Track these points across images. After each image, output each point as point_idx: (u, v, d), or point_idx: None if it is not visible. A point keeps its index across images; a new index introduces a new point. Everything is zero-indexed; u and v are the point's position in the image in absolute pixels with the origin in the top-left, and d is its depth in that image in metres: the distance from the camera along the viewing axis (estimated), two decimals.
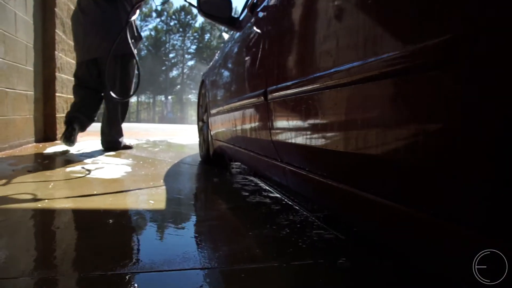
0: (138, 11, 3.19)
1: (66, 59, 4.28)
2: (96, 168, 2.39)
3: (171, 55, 40.77)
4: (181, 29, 42.55)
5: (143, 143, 4.28)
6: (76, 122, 3.25)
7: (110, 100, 3.23)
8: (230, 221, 1.39)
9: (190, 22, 42.46)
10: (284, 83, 1.06)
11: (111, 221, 1.27)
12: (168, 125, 17.30)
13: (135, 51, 3.22)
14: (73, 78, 4.75)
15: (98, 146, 3.69)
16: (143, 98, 45.80)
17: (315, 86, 0.87)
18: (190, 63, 46.85)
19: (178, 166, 2.69)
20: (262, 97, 1.23)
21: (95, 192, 1.70)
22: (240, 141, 1.74)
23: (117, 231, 1.18)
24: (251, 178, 2.30)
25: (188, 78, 47.17)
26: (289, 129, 1.08)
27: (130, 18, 3.01)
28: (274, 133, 1.19)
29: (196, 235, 1.21)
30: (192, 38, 44.24)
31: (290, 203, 1.63)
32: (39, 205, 1.43)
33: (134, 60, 3.23)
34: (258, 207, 1.56)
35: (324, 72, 0.81)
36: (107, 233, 1.15)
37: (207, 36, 43.00)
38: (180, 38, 43.70)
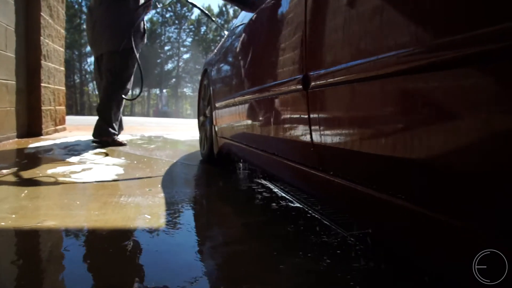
0: (149, 10, 3.37)
1: (54, 46, 3.91)
2: (83, 170, 2.06)
3: (166, 48, 40.16)
4: (176, 21, 41.92)
5: (138, 139, 3.94)
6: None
7: (103, 90, 3.31)
8: (249, 245, 1.07)
9: (186, 14, 41.84)
10: (340, 66, 0.75)
11: (95, 247, 0.95)
12: (163, 119, 16.86)
13: (139, 46, 3.31)
14: (63, 68, 4.41)
15: (88, 142, 3.35)
16: (137, 91, 45.15)
17: (404, 67, 0.56)
18: (186, 56, 46.27)
19: (177, 167, 2.37)
20: (298, 85, 0.91)
21: (77, 203, 1.38)
22: (256, 141, 1.42)
23: (102, 265, 0.86)
24: (262, 181, 1.98)
25: (184, 71, 46.58)
26: (345, 130, 0.76)
27: (142, 16, 3.20)
28: (317, 133, 0.88)
29: (213, 269, 0.89)
30: (188, 30, 43.63)
31: (316, 215, 1.32)
32: (1, 223, 1.11)
33: (133, 55, 3.23)
34: (279, 222, 1.25)
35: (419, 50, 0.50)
36: (90, 267, 0.83)
37: (203, 28, 42.43)
38: (176, 30, 43.06)
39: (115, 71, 3.19)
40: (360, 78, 0.70)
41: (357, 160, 0.75)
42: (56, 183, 1.72)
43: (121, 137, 3.65)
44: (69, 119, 9.99)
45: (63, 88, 4.33)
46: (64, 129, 4.54)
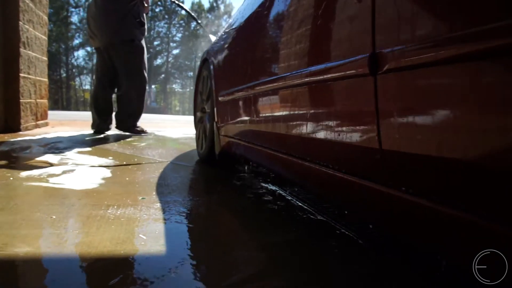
0: (148, 7, 3.69)
1: (35, 33, 3.57)
2: (64, 172, 1.77)
3: (155, 43, 39.45)
4: (166, 16, 41.25)
5: (126, 136, 3.64)
6: (103, 131, 3.74)
7: (120, 85, 3.60)
8: (277, 280, 0.81)
9: (176, 9, 41.20)
10: (438, 37, 0.49)
11: None
12: (153, 115, 16.39)
13: (141, 37, 3.57)
14: (45, 58, 4.07)
15: (72, 139, 3.04)
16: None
17: None
18: (175, 51, 45.65)
19: (172, 169, 2.09)
20: (361, 68, 0.65)
21: (53, 217, 1.10)
22: (280, 143, 1.15)
23: None
24: (270, 186, 1.72)
25: (173, 67, 45.93)
26: (439, 132, 0.51)
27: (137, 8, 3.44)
28: (390, 136, 0.62)
29: None
30: (178, 25, 43.02)
31: (349, 233, 1.07)
32: None
33: (138, 45, 3.51)
34: (305, 243, 0.99)
35: None
36: None
37: (193, 24, 41.84)
38: (166, 25, 42.39)
39: (127, 63, 3.46)
40: (471, 53, 0.44)
41: (459, 175, 0.49)
42: (30, 189, 1.43)
43: (107, 132, 3.79)
44: (54, 113, 9.55)
45: (46, 79, 3.99)
46: (47, 124, 4.21)
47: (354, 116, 0.71)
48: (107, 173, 1.83)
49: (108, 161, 2.17)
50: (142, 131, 3.87)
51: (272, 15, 1.30)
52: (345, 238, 1.07)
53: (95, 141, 3.05)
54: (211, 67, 2.11)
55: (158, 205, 1.32)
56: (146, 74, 3.67)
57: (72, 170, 1.83)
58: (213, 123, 2.08)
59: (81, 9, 36.72)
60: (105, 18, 3.37)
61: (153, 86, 38.08)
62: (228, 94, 1.69)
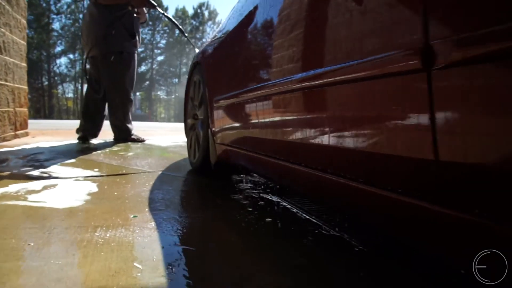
0: (145, 15, 3.76)
1: (12, 38, 3.38)
2: (44, 188, 1.60)
3: (139, 50, 39.01)
4: (150, 23, 40.88)
5: (112, 145, 3.46)
6: (89, 137, 3.73)
7: (108, 93, 3.60)
8: None
9: (160, 16, 40.92)
10: None
11: None
12: (138, 122, 16.06)
13: (132, 49, 3.57)
14: (24, 64, 3.86)
15: (54, 150, 2.86)
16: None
17: None
18: (160, 58, 45.27)
19: (165, 181, 1.94)
20: (412, 62, 0.54)
21: (31, 245, 0.94)
22: (293, 152, 1.03)
23: None
24: (271, 197, 1.60)
25: (158, 73, 45.47)
26: None
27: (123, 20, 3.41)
28: (450, 145, 0.50)
29: None
30: (162, 32, 42.70)
31: (372, 253, 0.94)
32: None
33: (126, 58, 3.47)
34: (323, 267, 0.86)
35: None
36: None
37: (177, 30, 41.64)
38: (150, 32, 42.00)
39: (111, 74, 3.46)
40: None
41: None
42: (4, 210, 1.26)
43: (92, 141, 3.71)
44: (35, 122, 9.23)
45: (25, 87, 3.79)
46: (27, 134, 3.99)
47: (395, 120, 0.58)
48: (93, 187, 1.67)
49: (94, 173, 2.00)
50: (138, 140, 3.80)
51: (273, 13, 1.18)
52: (369, 260, 0.95)
53: (79, 152, 2.87)
54: (204, 70, 1.98)
55: (153, 224, 1.18)
56: (129, 89, 3.63)
57: (54, 185, 1.66)
58: (207, 131, 1.94)
59: (63, 16, 36.11)
60: (94, 28, 3.37)
61: (137, 94, 37.53)
62: (226, 98, 1.56)
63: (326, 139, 0.80)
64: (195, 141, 2.23)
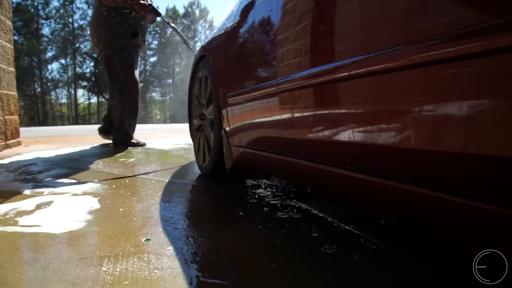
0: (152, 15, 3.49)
1: None
2: (38, 207, 1.39)
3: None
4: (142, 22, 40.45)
5: (112, 151, 3.24)
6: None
7: (110, 93, 3.60)
8: None
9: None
10: None
11: None
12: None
13: (132, 49, 3.42)
14: (12, 69, 3.63)
15: (49, 160, 2.63)
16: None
17: None
18: (153, 59, 44.85)
19: (174, 190, 1.73)
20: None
21: None
22: (345, 155, 0.82)
23: None
24: (298, 204, 1.39)
25: (151, 75, 45.06)
26: None
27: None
28: None
29: None
30: (153, 33, 42.26)
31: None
32: None
33: (124, 57, 3.34)
34: None
35: None
36: None
37: (169, 30, 41.19)
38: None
39: (111, 73, 3.39)
40: None
41: None
42: None
43: (89, 148, 3.56)
44: (29, 130, 8.96)
45: (14, 93, 3.55)
46: (19, 143, 3.75)
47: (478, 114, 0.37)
48: (95, 203, 1.45)
49: (94, 185, 1.78)
50: (138, 144, 3.62)
51: None
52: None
53: (75, 160, 2.64)
54: (213, 64, 1.76)
55: (170, 249, 0.96)
56: (128, 88, 3.44)
57: (49, 203, 1.44)
58: (219, 132, 1.73)
59: (52, 20, 35.60)
60: (98, 28, 3.36)
61: None
62: (244, 93, 1.34)
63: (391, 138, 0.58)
64: (204, 144, 2.01)
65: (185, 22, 44.77)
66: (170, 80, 45.85)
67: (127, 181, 1.91)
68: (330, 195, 1.16)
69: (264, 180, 1.86)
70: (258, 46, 1.25)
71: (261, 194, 1.62)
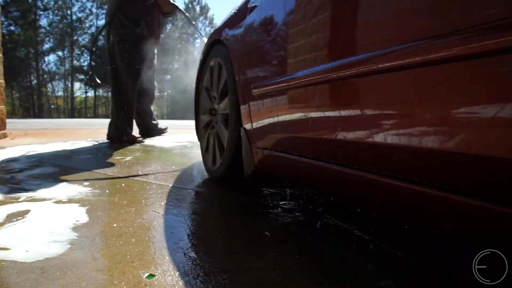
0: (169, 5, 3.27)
1: None
2: (8, 219, 1.09)
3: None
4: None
5: (106, 147, 2.93)
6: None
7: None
8: None
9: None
10: None
11: None
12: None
13: (133, 38, 3.14)
14: (0, 54, 3.32)
15: (34, 156, 2.32)
16: (100, 92, 42.98)
17: None
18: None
19: (179, 199, 1.43)
20: None
21: None
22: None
23: None
24: (333, 220, 1.10)
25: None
26: None
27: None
28: None
29: None
30: None
31: None
32: None
33: (123, 46, 3.10)
34: None
35: None
36: None
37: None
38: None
39: (112, 63, 3.18)
40: None
41: None
42: None
43: (81, 143, 3.16)
44: (21, 122, 8.60)
45: (1, 80, 3.23)
46: (5, 136, 3.44)
47: None
48: (82, 214, 1.16)
49: (83, 190, 1.48)
50: (136, 140, 3.30)
51: None
52: None
53: (64, 158, 2.34)
54: (232, 49, 1.46)
55: None
56: (127, 81, 3.18)
57: (25, 213, 1.15)
58: (236, 130, 1.43)
59: (50, 12, 35.04)
60: (107, 18, 3.22)
61: None
62: (279, 83, 1.05)
63: None
64: (215, 143, 1.72)
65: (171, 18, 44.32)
66: (169, 76, 45.43)
67: (123, 184, 1.61)
68: (388, 214, 0.87)
69: (285, 189, 1.57)
70: (306, 17, 0.95)
71: (285, 206, 1.33)
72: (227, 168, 1.55)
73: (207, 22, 45.78)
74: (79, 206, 1.25)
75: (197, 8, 45.82)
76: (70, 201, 1.31)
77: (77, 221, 1.09)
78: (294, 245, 0.96)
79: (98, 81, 3.65)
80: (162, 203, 1.33)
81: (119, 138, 3.20)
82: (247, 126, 1.33)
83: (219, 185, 1.67)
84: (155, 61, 3.48)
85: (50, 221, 1.08)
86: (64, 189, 1.47)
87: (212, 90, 1.80)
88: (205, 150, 1.92)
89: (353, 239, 1.02)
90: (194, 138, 3.82)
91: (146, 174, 1.85)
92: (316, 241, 1.00)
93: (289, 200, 1.43)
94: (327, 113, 0.85)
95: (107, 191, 1.47)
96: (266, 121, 1.17)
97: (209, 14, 47.67)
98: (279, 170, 1.19)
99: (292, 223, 1.14)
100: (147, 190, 1.52)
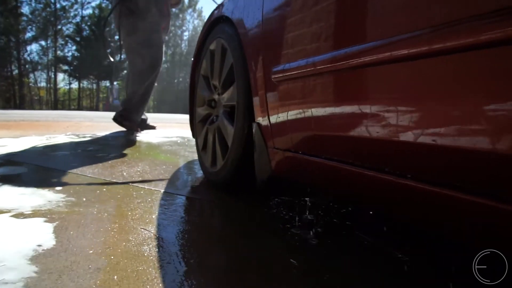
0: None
1: None
2: None
3: (116, 37, 36.97)
4: None
5: (87, 143, 2.62)
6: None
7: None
8: None
9: None
10: None
11: None
12: None
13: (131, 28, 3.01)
14: None
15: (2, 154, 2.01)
16: (85, 83, 41.95)
17: None
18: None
19: (175, 209, 1.16)
20: None
21: None
22: None
23: None
24: (366, 237, 0.85)
25: None
26: None
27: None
28: None
29: None
30: None
31: None
32: None
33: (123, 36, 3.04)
34: None
35: None
36: None
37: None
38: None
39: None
40: None
41: None
42: None
43: (59, 138, 2.82)
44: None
45: None
46: None
47: None
48: (47, 235, 0.87)
49: (54, 197, 1.19)
50: (132, 127, 3.16)
51: None
52: None
53: (37, 154, 2.03)
54: (244, 26, 1.19)
55: None
56: (133, 69, 3.06)
57: None
58: (247, 125, 1.16)
59: None
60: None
61: (115, 83, 35.58)
62: (309, 66, 0.78)
63: None
64: (215, 141, 1.45)
65: (174, 10, 43.56)
66: None
67: (104, 189, 1.32)
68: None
69: (299, 197, 1.31)
70: None
71: (307, 220, 1.08)
72: (232, 172, 1.28)
73: (195, 15, 45.04)
74: (46, 221, 0.96)
75: (186, 1, 45.04)
76: (34, 213, 1.02)
77: (40, 246, 0.81)
78: (332, 279, 0.70)
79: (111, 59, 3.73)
80: (153, 216, 1.05)
81: (119, 122, 3.05)
82: (262, 121, 1.06)
83: (220, 190, 1.40)
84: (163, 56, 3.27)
85: (1, 246, 0.79)
86: (29, 197, 1.18)
87: (213, 78, 1.52)
88: (201, 148, 1.64)
89: (405, 265, 0.76)
90: (185, 133, 3.52)
91: (131, 177, 1.57)
92: (363, 272, 0.74)
93: (309, 211, 1.17)
94: (404, 107, 0.59)
95: (84, 199, 1.18)
96: (292, 114, 0.90)
97: (198, 6, 46.90)
98: (308, 179, 0.93)
99: (320, 245, 0.88)
100: (134, 198, 1.24)
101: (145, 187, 1.40)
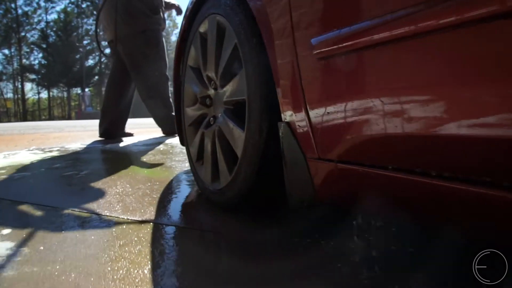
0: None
1: None
2: None
3: (85, 42, 35.64)
4: (94, 12, 37.73)
5: (53, 158, 2.22)
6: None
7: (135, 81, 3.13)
8: None
9: None
10: None
11: None
12: (90, 121, 14.03)
13: (158, 27, 3.02)
14: None
15: None
16: (55, 92, 40.42)
17: None
18: (108, 50, 42.16)
19: (175, 256, 0.82)
20: None
21: None
22: None
23: None
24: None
25: (107, 67, 42.27)
26: None
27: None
28: None
29: None
30: None
31: None
32: None
33: (149, 35, 2.95)
34: None
35: None
36: None
37: None
38: (95, 22, 38.86)
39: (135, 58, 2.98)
40: None
41: None
42: None
43: (20, 154, 2.31)
44: None
45: None
46: None
47: None
48: None
49: (8, 232, 0.83)
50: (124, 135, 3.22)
51: None
52: None
53: None
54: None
55: None
56: (155, 71, 3.00)
57: None
58: (265, 126, 0.83)
59: None
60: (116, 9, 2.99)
61: (87, 89, 34.22)
62: (391, 26, 0.45)
63: None
64: (215, 149, 1.11)
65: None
66: None
67: (71, 229, 0.96)
68: None
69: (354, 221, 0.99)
70: None
71: (357, 258, 0.75)
72: (244, 191, 0.95)
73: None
74: None
75: None
76: None
77: None
78: None
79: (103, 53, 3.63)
80: (145, 271, 0.71)
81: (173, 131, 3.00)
82: (295, 119, 0.73)
83: (229, 213, 1.06)
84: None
85: None
86: None
87: (206, 69, 1.18)
88: (196, 159, 1.30)
89: None
90: (166, 139, 3.14)
91: (109, 201, 1.21)
92: None
93: (359, 246, 0.85)
94: None
95: (41, 248, 0.82)
96: (353, 107, 0.58)
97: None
98: (384, 207, 0.60)
99: None
100: (113, 240, 0.88)
101: (128, 218, 1.05)
